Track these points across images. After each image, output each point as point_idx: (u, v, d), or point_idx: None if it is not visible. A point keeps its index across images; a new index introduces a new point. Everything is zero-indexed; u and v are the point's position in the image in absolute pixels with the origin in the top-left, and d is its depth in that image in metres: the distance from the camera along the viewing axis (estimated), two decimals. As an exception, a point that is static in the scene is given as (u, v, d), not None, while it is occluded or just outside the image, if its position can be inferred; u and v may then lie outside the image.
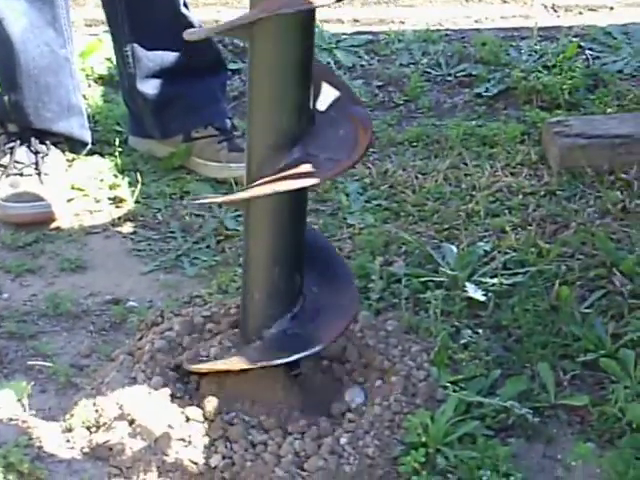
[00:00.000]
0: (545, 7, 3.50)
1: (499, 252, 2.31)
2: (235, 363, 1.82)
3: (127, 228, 2.47)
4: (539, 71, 3.00)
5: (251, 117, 1.78)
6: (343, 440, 1.78)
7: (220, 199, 1.99)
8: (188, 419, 1.83)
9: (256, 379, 1.85)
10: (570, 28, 3.27)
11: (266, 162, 1.77)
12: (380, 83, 3.08)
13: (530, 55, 3.12)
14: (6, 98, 2.52)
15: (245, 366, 1.81)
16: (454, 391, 1.87)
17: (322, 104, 1.80)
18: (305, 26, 1.71)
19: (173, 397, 1.88)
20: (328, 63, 3.07)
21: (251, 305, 1.85)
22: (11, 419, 1.90)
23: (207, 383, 1.89)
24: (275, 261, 1.81)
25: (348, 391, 1.88)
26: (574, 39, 3.18)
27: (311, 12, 1.70)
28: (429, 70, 3.13)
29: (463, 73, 3.10)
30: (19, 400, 1.90)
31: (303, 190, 1.78)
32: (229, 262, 2.33)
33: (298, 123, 1.75)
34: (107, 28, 2.70)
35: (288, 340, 1.82)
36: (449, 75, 3.10)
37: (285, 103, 1.73)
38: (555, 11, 3.48)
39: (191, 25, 2.62)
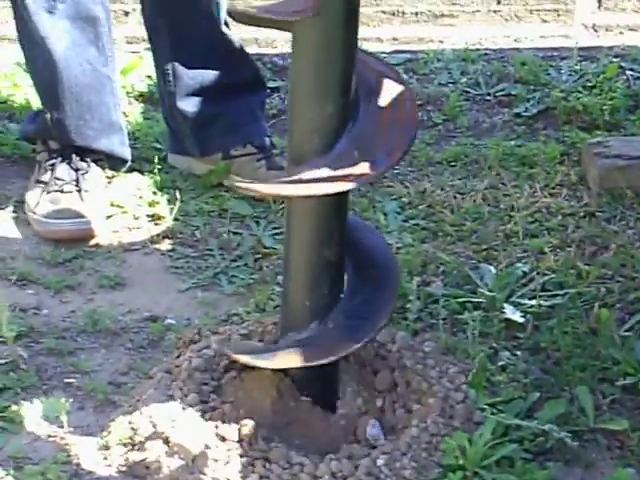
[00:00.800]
0: (585, 27, 3.48)
1: (538, 273, 2.30)
2: (279, 361, 1.81)
3: (165, 245, 2.48)
4: (579, 91, 2.99)
5: (293, 105, 1.75)
6: (380, 462, 1.78)
7: (261, 188, 1.85)
8: (225, 438, 1.83)
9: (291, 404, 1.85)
10: (611, 48, 3.26)
11: (310, 153, 1.73)
12: (419, 102, 3.08)
13: (570, 75, 3.11)
14: (48, 116, 2.54)
15: (294, 364, 1.80)
16: (492, 414, 1.85)
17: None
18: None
19: (210, 416, 1.88)
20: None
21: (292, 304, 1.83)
22: (49, 435, 1.91)
23: (242, 401, 1.89)
24: (317, 254, 1.79)
25: (367, 427, 1.85)
26: (615, 59, 3.17)
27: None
28: (468, 89, 3.12)
29: (502, 93, 3.10)
30: (57, 417, 1.91)
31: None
32: (267, 280, 2.34)
33: (343, 111, 1.72)
34: (148, 45, 2.72)
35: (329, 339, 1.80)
36: (488, 95, 3.10)
37: (329, 89, 1.71)
38: (595, 31, 3.47)
39: (231, 44, 2.64)
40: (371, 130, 1.75)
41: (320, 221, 1.79)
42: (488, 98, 3.09)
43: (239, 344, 1.97)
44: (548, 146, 2.80)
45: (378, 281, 1.85)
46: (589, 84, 3.03)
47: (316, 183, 1.71)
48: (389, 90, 1.78)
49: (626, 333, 2.12)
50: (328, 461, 1.79)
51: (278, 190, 1.78)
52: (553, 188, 2.65)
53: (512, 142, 2.84)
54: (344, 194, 1.79)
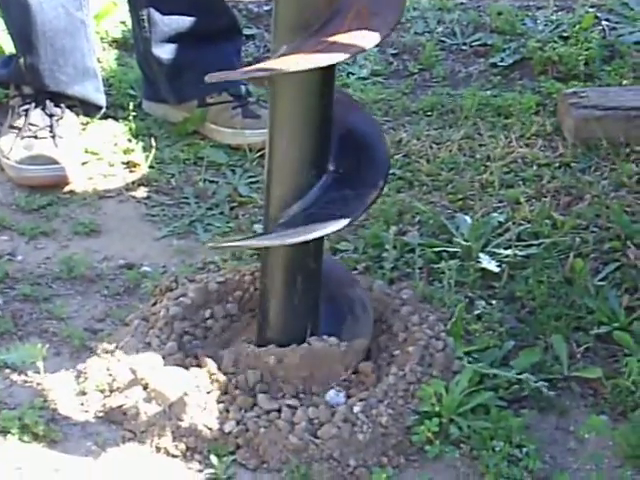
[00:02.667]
0: (562, -23, 3.47)
1: (513, 223, 2.30)
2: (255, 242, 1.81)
3: (141, 193, 2.47)
4: (555, 41, 2.99)
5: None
6: (357, 408, 1.79)
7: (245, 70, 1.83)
8: (202, 385, 1.84)
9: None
10: (587, -1, 3.26)
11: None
12: (395, 51, 3.07)
13: (546, 25, 3.10)
14: (22, 60, 2.51)
15: (267, 244, 1.79)
16: (468, 362, 1.87)
17: None
18: None
19: (187, 363, 1.88)
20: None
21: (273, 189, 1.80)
22: (26, 381, 1.91)
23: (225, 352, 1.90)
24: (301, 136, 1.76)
25: (327, 394, 1.84)
26: (590, 10, 3.16)
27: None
28: (444, 39, 3.11)
29: (478, 42, 3.09)
30: (33, 362, 1.91)
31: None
32: (242, 229, 2.33)
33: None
34: (123, -9, 2.69)
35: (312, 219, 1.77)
36: (464, 44, 3.09)
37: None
38: (572, -19, 3.46)
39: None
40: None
41: (304, 104, 1.74)
42: (464, 48, 3.08)
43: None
44: (524, 96, 2.80)
45: (361, 171, 1.82)
46: (565, 34, 3.03)
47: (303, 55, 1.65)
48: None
49: (600, 282, 2.13)
50: (305, 408, 1.80)
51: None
52: (529, 138, 2.65)
53: (488, 92, 2.84)
54: (329, 72, 1.73)
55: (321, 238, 1.81)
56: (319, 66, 1.66)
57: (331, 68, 1.73)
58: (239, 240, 2.03)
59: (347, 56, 1.67)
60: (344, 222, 1.76)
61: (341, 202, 1.77)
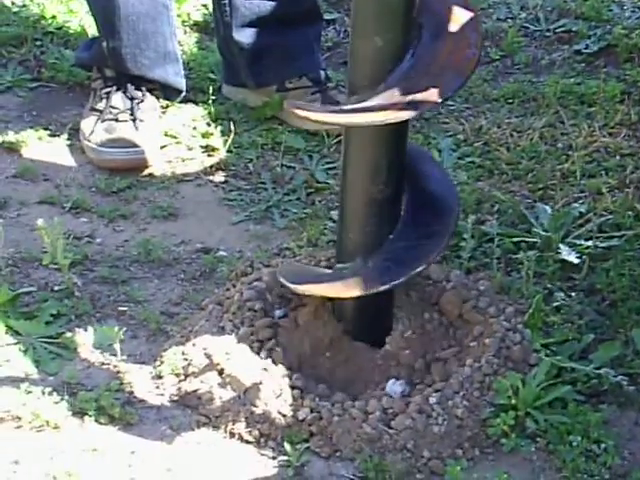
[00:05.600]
0: (651, -37, 3.40)
1: (594, 214, 2.26)
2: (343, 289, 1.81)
3: (219, 177, 2.47)
4: (642, 28, 2.93)
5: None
6: (432, 400, 1.77)
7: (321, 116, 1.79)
8: (276, 371, 1.83)
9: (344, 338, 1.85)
10: (675, -16, 3.18)
11: (369, 78, 1.70)
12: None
13: (633, 12, 3.04)
14: (104, 44, 2.53)
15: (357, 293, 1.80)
16: (546, 355, 1.84)
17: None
18: None
19: (261, 348, 1.88)
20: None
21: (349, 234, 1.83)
22: (103, 363, 1.93)
23: (296, 334, 1.90)
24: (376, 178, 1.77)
25: (388, 384, 1.83)
26: (679, -4, 3.09)
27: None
28: (527, 25, 3.07)
29: (562, 29, 3.04)
30: (110, 345, 1.92)
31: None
32: (319, 215, 2.33)
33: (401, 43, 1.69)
34: (204, -25, 2.70)
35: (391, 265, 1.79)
36: (548, 31, 3.04)
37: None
38: (661, -33, 3.39)
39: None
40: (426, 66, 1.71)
41: (376, 153, 1.76)
42: (547, 34, 3.03)
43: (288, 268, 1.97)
44: (608, 84, 2.74)
45: (429, 227, 1.83)
46: (652, 21, 2.97)
47: (370, 112, 1.67)
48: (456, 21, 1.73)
49: (684, 276, 2.09)
50: (379, 397, 1.79)
51: (333, 118, 1.74)
52: (612, 127, 2.60)
53: (571, 80, 2.79)
54: (403, 125, 1.75)
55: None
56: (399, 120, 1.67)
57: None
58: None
59: (423, 110, 1.69)
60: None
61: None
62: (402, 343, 1.86)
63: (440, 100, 1.66)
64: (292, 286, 1.86)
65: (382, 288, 1.77)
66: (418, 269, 1.78)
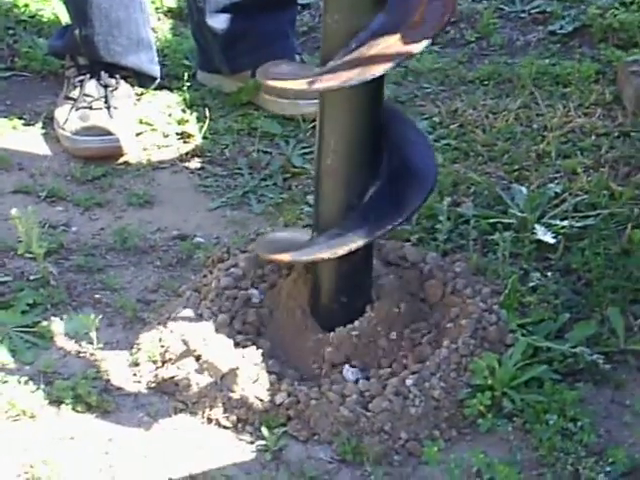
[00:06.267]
0: (624, -58, 3.40)
1: (570, 194, 2.27)
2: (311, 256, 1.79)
3: (194, 164, 2.47)
4: (616, 8, 2.93)
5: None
6: (409, 381, 1.77)
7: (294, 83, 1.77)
8: (253, 356, 1.83)
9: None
10: (649, -36, 3.18)
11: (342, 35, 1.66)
12: (451, 19, 3.02)
13: (607, -8, 3.04)
14: (77, 32, 2.52)
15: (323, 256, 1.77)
16: (522, 335, 1.85)
17: None
18: None
19: (238, 334, 1.88)
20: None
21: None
22: (79, 351, 1.92)
23: (272, 320, 1.90)
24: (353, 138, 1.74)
25: (344, 370, 1.83)
26: (653, -25, 3.09)
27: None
28: (502, 6, 3.07)
29: (537, 10, 3.04)
30: (87, 333, 1.92)
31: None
32: (295, 200, 2.33)
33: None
34: (177, -39, 2.69)
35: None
36: (523, 12, 3.04)
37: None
38: (634, -54, 3.39)
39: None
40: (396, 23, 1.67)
41: (354, 115, 1.73)
42: (522, 15, 3.03)
43: (266, 240, 1.95)
44: (583, 64, 2.75)
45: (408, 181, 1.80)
46: (626, 0, 2.96)
47: (344, 71, 1.63)
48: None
49: (659, 254, 2.10)
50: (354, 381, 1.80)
51: (307, 84, 1.68)
52: (587, 107, 2.60)
53: (546, 60, 2.79)
54: (377, 83, 1.72)
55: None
56: (375, 76, 1.64)
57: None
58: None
59: (398, 62, 1.65)
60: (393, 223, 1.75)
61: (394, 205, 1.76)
62: (374, 324, 1.85)
63: (414, 51, 1.63)
64: (269, 255, 1.84)
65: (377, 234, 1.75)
66: (382, 230, 1.75)
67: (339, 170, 1.77)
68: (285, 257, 1.84)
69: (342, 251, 1.75)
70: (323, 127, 1.77)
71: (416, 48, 1.63)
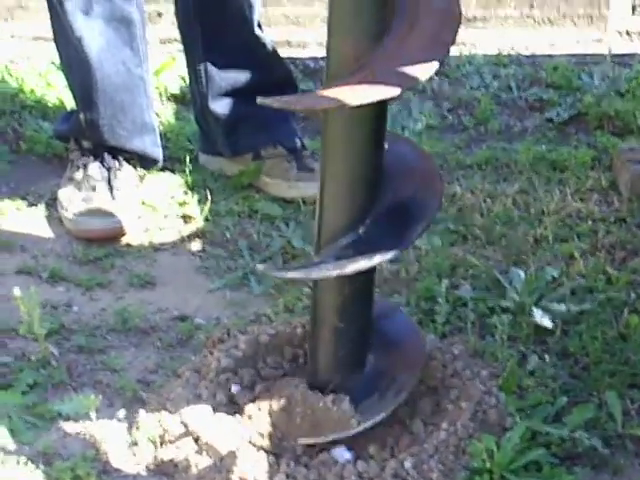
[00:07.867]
0: (619, 33, 3.47)
1: (567, 278, 2.29)
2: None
3: (195, 245, 2.49)
4: (611, 96, 2.98)
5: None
6: (407, 464, 1.78)
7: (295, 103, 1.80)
8: (252, 438, 1.84)
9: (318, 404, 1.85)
10: (644, 54, 3.25)
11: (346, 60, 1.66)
12: (450, 106, 3.08)
13: (602, 80, 3.10)
14: (82, 116, 2.56)
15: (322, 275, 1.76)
16: (520, 418, 1.85)
17: None
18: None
19: (239, 419, 1.89)
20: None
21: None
22: (79, 432, 1.92)
23: (272, 400, 1.90)
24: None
25: (333, 451, 1.83)
26: (647, 65, 3.16)
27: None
28: (500, 94, 3.12)
29: (534, 97, 3.10)
30: (87, 413, 1.92)
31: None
32: (295, 281, 2.34)
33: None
34: (181, 46, 2.74)
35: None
36: (520, 99, 3.09)
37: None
38: (629, 36, 3.46)
39: (264, 46, 2.64)
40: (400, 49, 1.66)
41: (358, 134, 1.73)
42: (520, 102, 3.08)
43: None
44: (579, 151, 2.79)
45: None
46: (622, 90, 3.02)
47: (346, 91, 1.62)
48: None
49: (656, 339, 2.11)
50: (354, 462, 1.80)
51: (312, 103, 1.70)
52: (584, 193, 2.64)
53: (543, 146, 2.84)
54: (380, 109, 1.72)
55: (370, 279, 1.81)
56: (381, 99, 1.63)
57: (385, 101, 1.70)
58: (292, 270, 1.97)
59: (405, 88, 1.63)
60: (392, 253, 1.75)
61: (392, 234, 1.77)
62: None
63: (422, 78, 1.62)
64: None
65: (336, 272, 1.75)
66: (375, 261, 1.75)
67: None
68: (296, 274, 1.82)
69: (349, 270, 1.74)
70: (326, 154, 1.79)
71: (423, 75, 1.62)
